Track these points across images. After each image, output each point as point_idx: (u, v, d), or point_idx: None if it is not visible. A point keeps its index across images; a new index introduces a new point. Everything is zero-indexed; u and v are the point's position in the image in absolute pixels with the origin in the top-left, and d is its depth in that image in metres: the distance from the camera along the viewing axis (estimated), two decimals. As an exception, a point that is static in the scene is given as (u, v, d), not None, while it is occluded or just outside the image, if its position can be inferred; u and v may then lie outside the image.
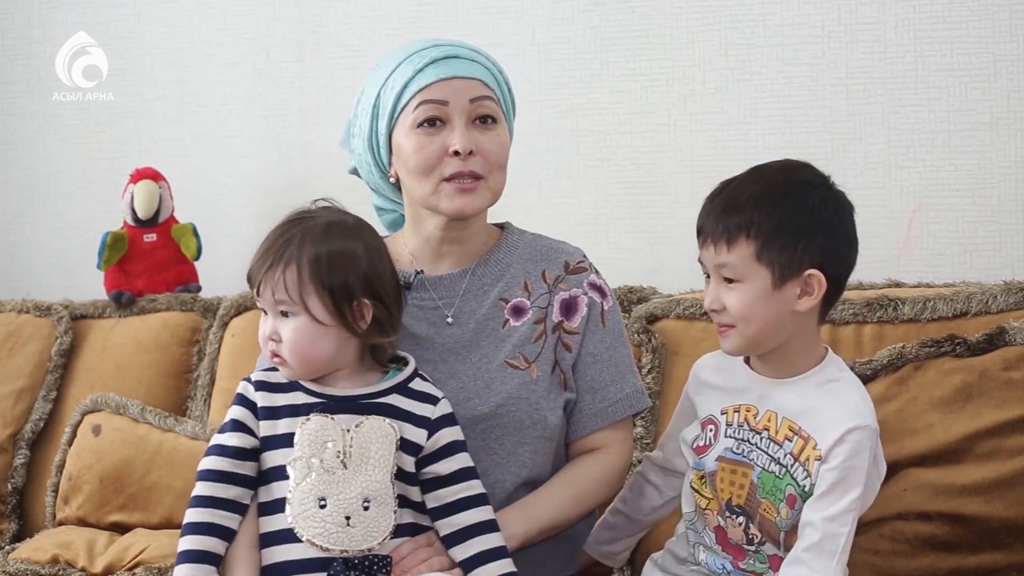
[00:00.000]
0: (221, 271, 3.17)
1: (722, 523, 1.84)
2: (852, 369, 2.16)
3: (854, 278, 2.46)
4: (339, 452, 1.72)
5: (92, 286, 3.15)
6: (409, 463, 1.77)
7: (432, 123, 1.90)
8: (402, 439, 1.76)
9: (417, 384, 1.83)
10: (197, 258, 3.10)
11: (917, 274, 2.59)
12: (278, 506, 1.74)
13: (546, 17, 2.94)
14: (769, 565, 1.81)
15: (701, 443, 1.89)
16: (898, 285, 2.42)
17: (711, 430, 1.88)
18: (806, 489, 1.76)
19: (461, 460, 1.81)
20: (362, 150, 1.99)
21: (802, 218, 1.78)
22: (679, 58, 2.83)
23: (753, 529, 1.81)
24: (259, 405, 1.79)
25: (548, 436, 1.94)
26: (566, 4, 2.92)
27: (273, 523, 1.75)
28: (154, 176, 3.07)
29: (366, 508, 1.71)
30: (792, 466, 1.77)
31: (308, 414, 1.76)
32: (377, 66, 1.98)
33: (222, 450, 1.78)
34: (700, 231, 1.83)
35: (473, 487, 1.80)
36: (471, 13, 2.99)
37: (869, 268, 2.59)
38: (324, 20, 3.15)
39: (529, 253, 2.03)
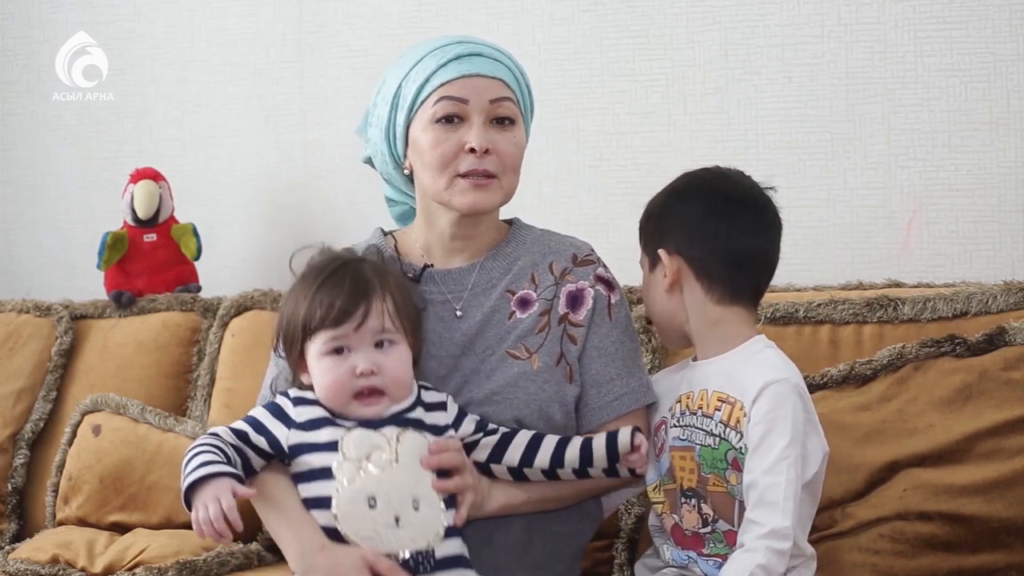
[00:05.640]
0: (221, 271, 3.18)
1: (676, 519, 1.89)
2: (852, 369, 2.20)
3: (854, 278, 2.49)
4: (387, 455, 1.76)
5: (92, 286, 3.15)
6: None
7: (450, 119, 1.91)
8: None
9: (426, 395, 1.87)
10: (197, 258, 3.09)
11: (917, 274, 2.59)
12: (322, 503, 1.76)
13: (546, 17, 2.94)
14: (727, 543, 1.84)
15: (657, 445, 1.96)
16: (898, 285, 2.42)
17: (663, 431, 1.95)
18: (743, 451, 1.82)
19: (483, 424, 1.90)
20: (378, 140, 2.01)
21: (658, 203, 1.95)
22: (679, 58, 2.82)
23: (706, 508, 1.85)
24: (297, 420, 1.81)
25: (550, 429, 1.92)
26: (566, 4, 2.92)
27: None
28: (154, 176, 3.07)
29: (416, 508, 1.74)
30: (725, 432, 1.84)
31: (348, 427, 1.79)
32: (401, 58, 1.99)
33: (234, 433, 1.82)
34: None
35: (498, 431, 1.89)
36: (471, 13, 2.99)
37: (869, 268, 2.60)
38: (324, 20, 3.15)
39: (537, 247, 2.04)
